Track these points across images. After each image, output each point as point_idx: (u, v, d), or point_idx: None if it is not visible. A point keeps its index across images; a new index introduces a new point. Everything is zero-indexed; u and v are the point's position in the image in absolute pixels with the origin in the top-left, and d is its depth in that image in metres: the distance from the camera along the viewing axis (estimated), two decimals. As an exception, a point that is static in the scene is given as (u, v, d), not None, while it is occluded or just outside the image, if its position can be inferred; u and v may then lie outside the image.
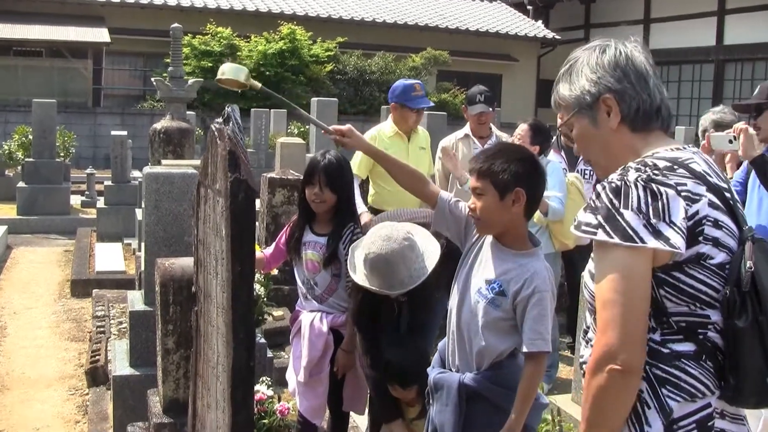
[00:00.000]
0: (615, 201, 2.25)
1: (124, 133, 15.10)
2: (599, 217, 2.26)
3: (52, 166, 15.21)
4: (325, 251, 4.66)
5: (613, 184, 2.28)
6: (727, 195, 2.37)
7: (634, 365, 2.21)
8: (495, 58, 34.43)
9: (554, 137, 7.43)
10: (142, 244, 6.44)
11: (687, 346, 2.29)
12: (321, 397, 4.78)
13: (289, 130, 21.26)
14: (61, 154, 17.11)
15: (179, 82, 11.72)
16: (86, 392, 6.69)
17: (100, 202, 14.00)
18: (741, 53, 30.13)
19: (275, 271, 5.98)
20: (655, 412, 2.28)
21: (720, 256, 2.28)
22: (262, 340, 5.89)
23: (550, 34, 35.35)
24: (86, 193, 16.73)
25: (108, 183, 14.11)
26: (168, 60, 12.67)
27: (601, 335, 2.24)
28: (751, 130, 4.80)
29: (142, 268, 6.23)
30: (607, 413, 2.27)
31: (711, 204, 2.28)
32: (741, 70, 30.55)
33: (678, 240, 2.19)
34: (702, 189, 2.29)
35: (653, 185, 2.24)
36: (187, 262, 4.62)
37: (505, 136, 7.37)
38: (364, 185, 6.92)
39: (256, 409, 4.89)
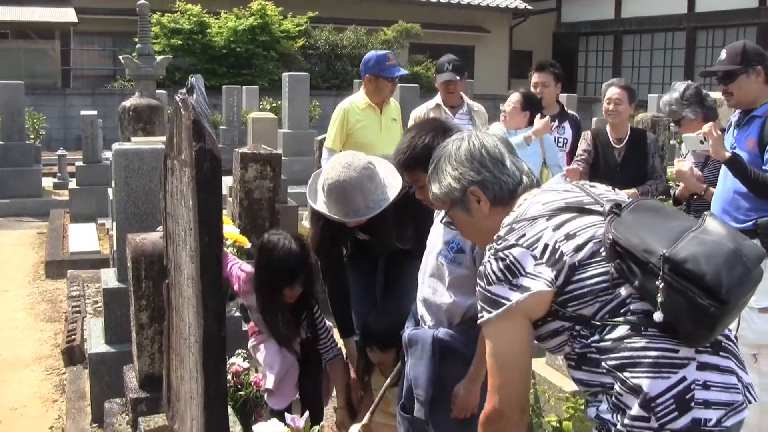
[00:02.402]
0: (482, 283, 2.53)
1: (95, 112, 14.99)
2: (480, 303, 2.54)
3: (22, 148, 15.06)
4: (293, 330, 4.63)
5: (479, 271, 2.57)
6: (583, 197, 2.62)
7: (517, 420, 2.56)
8: (467, 29, 34.37)
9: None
10: (114, 223, 6.40)
11: (621, 330, 2.42)
12: (289, 393, 4.80)
13: (261, 106, 21.16)
14: (31, 137, 16.98)
15: (148, 59, 11.60)
16: (63, 371, 6.69)
17: (73, 183, 13.88)
18: (712, 21, 30.26)
19: (248, 245, 5.95)
20: (628, 395, 2.39)
21: (588, 250, 2.47)
22: (237, 314, 5.87)
23: (521, 5, 35.27)
24: (58, 174, 16.57)
25: (79, 164, 13.99)
26: (137, 39, 12.56)
27: (490, 395, 2.58)
28: (717, 132, 4.94)
29: (115, 246, 6.20)
30: None
31: (555, 227, 2.51)
32: (712, 38, 30.68)
33: (538, 284, 2.44)
34: (541, 224, 2.52)
35: (499, 254, 2.50)
36: (158, 236, 4.60)
37: (477, 106, 7.37)
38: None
39: (232, 381, 4.90)
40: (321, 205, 4.21)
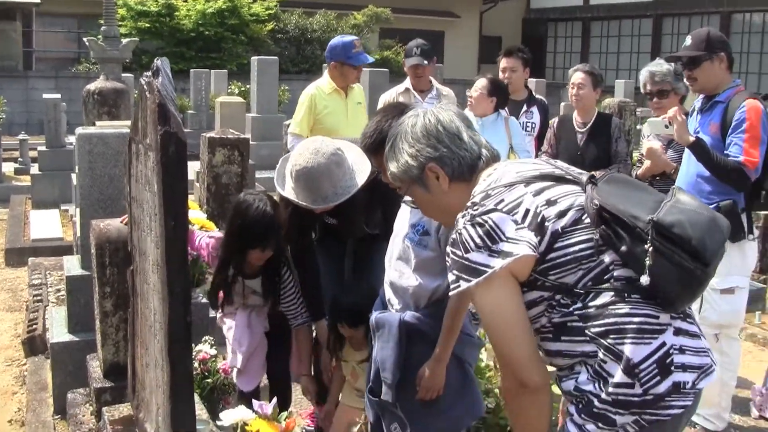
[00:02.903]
0: (458, 251, 2.47)
1: (58, 96, 14.72)
2: (455, 272, 2.48)
3: (-19, 133, 14.78)
4: (257, 292, 4.58)
5: (452, 239, 2.52)
6: (554, 170, 2.64)
7: (537, 381, 2.43)
8: (437, 14, 34.39)
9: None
10: (78, 209, 6.30)
11: (605, 297, 2.44)
12: (258, 371, 4.79)
13: (229, 90, 21.03)
14: (-9, 121, 16.74)
15: (113, 41, 11.46)
16: (24, 362, 6.57)
17: (35, 169, 13.56)
18: (677, 8, 30.60)
19: (216, 231, 5.89)
20: (611, 362, 2.41)
21: (571, 217, 2.48)
22: (204, 300, 5.81)
23: (491, -10, 35.37)
24: (19, 159, 16.20)
25: (42, 148, 13.66)
26: (102, 21, 12.41)
27: (502, 368, 2.54)
28: (682, 117, 5.06)
29: (78, 232, 6.11)
30: (531, 426, 2.52)
31: (535, 193, 2.50)
32: (678, 25, 31.05)
33: (521, 248, 2.41)
34: (519, 190, 2.51)
35: (477, 219, 2.46)
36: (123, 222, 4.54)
37: (446, 90, 7.36)
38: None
39: (199, 369, 4.86)
40: (289, 191, 4.17)
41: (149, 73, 3.22)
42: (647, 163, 5.82)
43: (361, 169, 4.19)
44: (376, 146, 3.66)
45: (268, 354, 4.78)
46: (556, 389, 2.67)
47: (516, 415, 2.56)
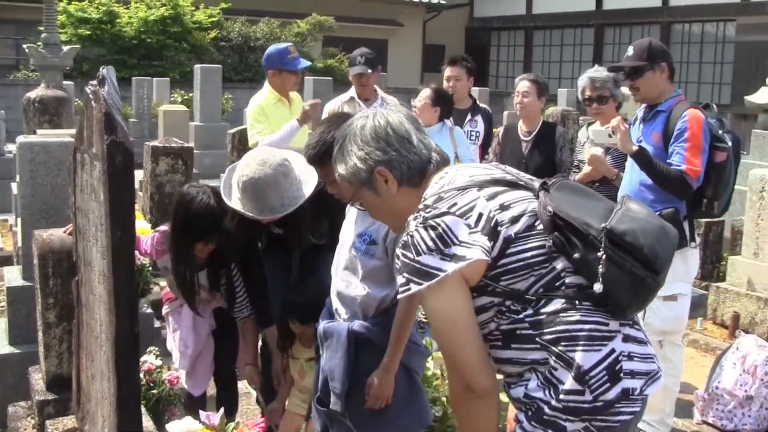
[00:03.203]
0: (409, 254, 2.43)
1: (-3, 103, 14.53)
2: (406, 275, 2.44)
3: None
4: (204, 286, 4.57)
5: (402, 242, 2.48)
6: (506, 175, 2.63)
7: (486, 386, 2.43)
8: (380, 23, 34.44)
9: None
10: (19, 219, 6.22)
11: (556, 304, 2.43)
12: (205, 373, 4.80)
13: (172, 99, 20.88)
14: (-77, 129, 16.39)
15: (54, 48, 11.30)
16: (-38, 375, 6.44)
17: (-27, 177, 13.39)
18: (618, 18, 31.05)
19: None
20: (562, 369, 2.41)
21: (524, 223, 2.47)
22: (149, 310, 5.76)
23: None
24: (-45, 169, 16.00)
25: (-21, 157, 13.49)
26: (42, 28, 12.24)
27: (450, 373, 2.51)
28: (625, 126, 5.12)
29: (20, 242, 6.02)
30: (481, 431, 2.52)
31: (488, 198, 2.49)
32: (619, 35, 31.49)
33: (474, 252, 2.38)
34: (472, 194, 2.49)
35: (429, 222, 2.42)
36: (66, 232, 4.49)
37: (390, 99, 7.37)
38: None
39: (144, 380, 4.82)
40: (236, 202, 4.16)
41: (95, 82, 3.20)
42: (587, 168, 5.85)
43: (307, 179, 4.19)
44: (319, 157, 3.66)
45: (215, 355, 4.78)
46: (504, 396, 2.68)
47: (464, 421, 2.55)
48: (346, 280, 3.65)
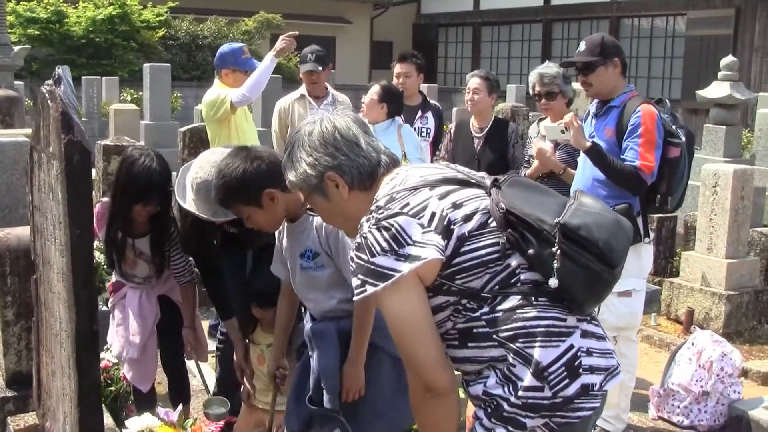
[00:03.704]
0: (364, 256, 2.43)
1: (-54, 104, 14.36)
2: (361, 277, 2.44)
3: None
4: (145, 254, 4.61)
5: (356, 244, 2.48)
6: (457, 174, 2.65)
7: (444, 385, 2.44)
8: (328, 20, 34.36)
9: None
10: (-27, 218, 6.20)
11: (513, 300, 2.46)
12: (151, 364, 4.85)
13: (122, 97, 20.73)
14: None
15: (5, 49, 11.28)
16: None
17: (-75, 178, 13.25)
18: (567, 13, 31.08)
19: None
20: (520, 366, 2.42)
21: (477, 220, 2.50)
22: (105, 308, 5.77)
23: (382, -4, 35.55)
24: None
25: (-69, 157, 13.36)
26: (-9, 28, 12.17)
27: (408, 372, 2.52)
28: (578, 122, 5.12)
29: (-25, 242, 6.00)
30: (440, 430, 2.54)
31: (440, 197, 2.50)
32: (568, 30, 31.49)
33: (429, 251, 2.39)
34: (424, 194, 2.50)
35: (382, 223, 2.43)
36: (24, 231, 4.49)
37: (341, 97, 7.42)
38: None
39: (102, 377, 4.84)
40: (190, 203, 4.17)
41: (51, 82, 3.22)
42: (536, 163, 5.91)
43: None
44: (225, 199, 3.67)
45: (161, 349, 4.83)
46: (462, 393, 2.72)
47: (423, 420, 2.56)
48: (313, 299, 3.70)
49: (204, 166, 4.12)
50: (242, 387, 4.57)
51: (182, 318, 4.79)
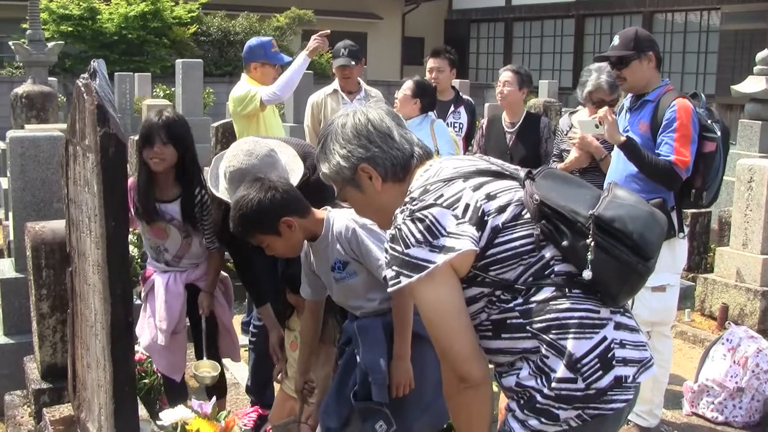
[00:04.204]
0: (398, 247, 2.44)
1: (-19, 100, 14.55)
2: (395, 268, 2.45)
3: None
4: (176, 219, 4.64)
5: (390, 236, 2.50)
6: (491, 165, 2.64)
7: (478, 375, 2.44)
8: (360, 16, 34.40)
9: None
10: (10, 213, 6.26)
11: (546, 292, 2.45)
12: (179, 354, 4.87)
13: (154, 93, 20.85)
14: None
15: (39, 45, 11.36)
16: (-43, 366, 6.49)
17: (-41, 173, 13.42)
18: (599, 8, 30.93)
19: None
20: (553, 357, 2.42)
21: (511, 212, 2.49)
22: (138, 302, 5.82)
23: (414, -8, 35.52)
24: (-57, 164, 16.01)
25: (-33, 153, 13.52)
26: (25, 25, 12.26)
27: (443, 364, 2.51)
28: (612, 116, 5.08)
29: (11, 236, 6.07)
30: (473, 422, 2.53)
31: (474, 188, 2.50)
32: (600, 25, 31.35)
33: (463, 242, 2.39)
34: (458, 185, 2.50)
35: (416, 214, 2.43)
36: (58, 224, 4.54)
37: (374, 92, 7.42)
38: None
39: (136, 369, 4.87)
40: (223, 191, 4.21)
41: (86, 75, 3.24)
42: (571, 156, 5.89)
43: (293, 169, 4.26)
44: (244, 231, 3.69)
45: (195, 343, 4.86)
46: (495, 385, 2.71)
47: (457, 412, 2.56)
48: (355, 306, 3.75)
49: (237, 154, 4.15)
50: (275, 370, 4.59)
51: (214, 314, 4.82)
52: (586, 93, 6.05)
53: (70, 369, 3.98)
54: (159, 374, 5.03)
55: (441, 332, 2.44)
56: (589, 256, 2.39)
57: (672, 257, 5.10)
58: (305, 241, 3.76)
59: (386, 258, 2.50)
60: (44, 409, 4.27)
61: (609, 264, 2.39)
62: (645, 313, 5.05)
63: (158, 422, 3.91)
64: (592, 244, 2.39)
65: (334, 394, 3.88)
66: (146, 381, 5.02)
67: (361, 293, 3.67)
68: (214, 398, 4.07)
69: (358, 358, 3.74)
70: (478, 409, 2.51)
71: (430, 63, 7.40)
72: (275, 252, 3.72)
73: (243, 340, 5.90)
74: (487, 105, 17.05)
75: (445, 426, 3.95)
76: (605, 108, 5.28)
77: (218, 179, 4.27)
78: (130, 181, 4.65)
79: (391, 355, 3.64)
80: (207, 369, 4.63)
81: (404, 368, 3.62)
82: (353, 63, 7.09)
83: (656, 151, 4.97)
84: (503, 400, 2.78)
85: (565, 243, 2.42)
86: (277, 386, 4.83)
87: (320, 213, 3.68)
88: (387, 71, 32.02)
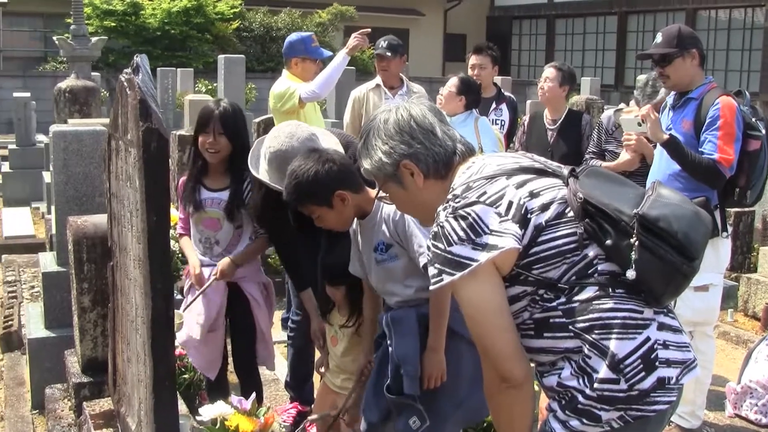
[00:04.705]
0: (441, 245, 2.42)
1: (27, 94, 14.65)
2: (438, 266, 2.44)
3: (-49, 131, 14.69)
4: (227, 206, 4.65)
5: (433, 233, 2.48)
6: (534, 163, 2.61)
7: (521, 377, 2.42)
8: (401, 12, 34.38)
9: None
10: (52, 207, 6.31)
11: (589, 291, 2.43)
12: (216, 352, 4.86)
13: (196, 88, 20.96)
14: (-40, 120, 16.60)
15: (82, 40, 11.45)
16: (0, 358, 6.57)
17: (5, 167, 13.54)
18: (643, 5, 30.70)
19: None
20: (596, 358, 2.39)
21: (554, 210, 2.47)
22: (179, 296, 5.83)
23: (456, -12, 35.45)
24: (-11, 158, 16.22)
25: (12, 147, 13.64)
26: (69, 20, 12.36)
27: (484, 363, 2.49)
28: (655, 114, 5.04)
29: (53, 229, 6.12)
30: (515, 422, 2.51)
31: (518, 186, 2.48)
32: (643, 22, 31.12)
33: (506, 240, 2.38)
34: (501, 182, 2.48)
35: (459, 212, 2.41)
36: (100, 219, 4.55)
37: (417, 87, 7.39)
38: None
39: (176, 364, 4.89)
40: (263, 173, 4.23)
41: (129, 70, 3.25)
42: (623, 157, 5.84)
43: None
44: (297, 200, 3.70)
45: (232, 338, 4.87)
46: (536, 385, 2.68)
47: (498, 411, 2.55)
48: (391, 291, 3.71)
49: (279, 136, 4.18)
50: (317, 362, 4.57)
51: (253, 313, 4.80)
52: (652, 102, 5.84)
53: (111, 363, 3.99)
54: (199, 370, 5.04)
55: (483, 330, 2.43)
56: (633, 256, 2.36)
57: (715, 257, 5.04)
58: (355, 219, 3.75)
59: (429, 255, 2.48)
60: (84, 402, 4.30)
61: (653, 264, 2.36)
62: (688, 313, 4.99)
63: (197, 417, 3.91)
64: (637, 243, 2.36)
65: (372, 388, 3.86)
66: (186, 376, 5.03)
67: (400, 278, 3.64)
68: (253, 394, 4.07)
69: (390, 349, 3.71)
70: (519, 408, 2.49)
71: (472, 60, 7.38)
72: (325, 224, 3.72)
73: (282, 336, 5.92)
74: (528, 102, 16.97)
75: (483, 423, 3.91)
76: (648, 106, 5.25)
77: (259, 161, 4.29)
78: (180, 181, 4.76)
79: (425, 346, 3.61)
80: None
81: (437, 360, 3.58)
82: (389, 54, 7.06)
83: (699, 150, 4.92)
84: (544, 400, 2.75)
85: (608, 242, 2.40)
86: (317, 381, 4.81)
87: (373, 192, 3.64)
88: (429, 68, 32.00)
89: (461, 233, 2.39)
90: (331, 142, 4.26)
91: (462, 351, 3.59)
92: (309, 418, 4.40)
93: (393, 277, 3.65)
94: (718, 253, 5.08)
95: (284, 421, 4.98)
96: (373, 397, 3.83)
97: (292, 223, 4.60)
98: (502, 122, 7.40)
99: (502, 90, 7.79)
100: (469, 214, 2.40)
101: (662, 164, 5.14)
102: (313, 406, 4.65)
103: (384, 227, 3.60)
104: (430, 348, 3.57)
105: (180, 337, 4.78)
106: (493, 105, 7.38)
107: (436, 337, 3.57)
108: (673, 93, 5.25)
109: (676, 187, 4.82)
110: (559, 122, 6.67)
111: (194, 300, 4.68)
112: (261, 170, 4.24)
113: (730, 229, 5.47)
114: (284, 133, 4.16)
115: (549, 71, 6.67)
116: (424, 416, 3.58)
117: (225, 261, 4.65)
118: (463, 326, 3.41)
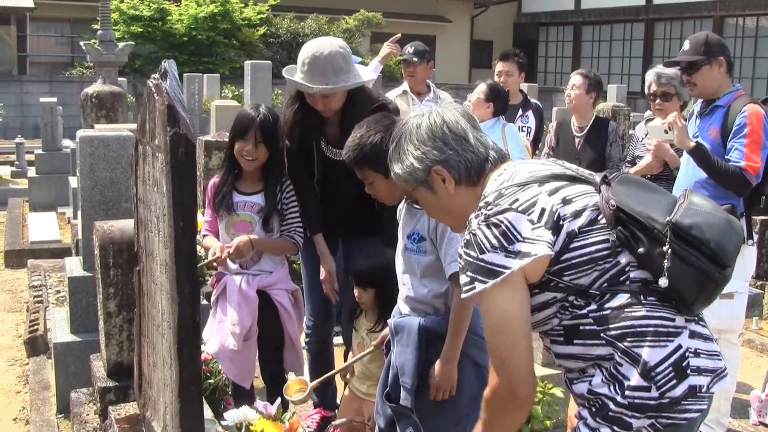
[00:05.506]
0: (473, 253, 2.41)
1: (54, 99, 14.76)
2: (470, 273, 2.42)
3: (-22, 137, 14.82)
4: (261, 210, 4.64)
5: (465, 240, 2.47)
6: (566, 170, 2.59)
7: (530, 393, 2.44)
8: (428, 19, 34.43)
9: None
10: (78, 212, 6.33)
11: (621, 299, 2.40)
12: (250, 361, 4.82)
13: (223, 94, 21.04)
14: (-13, 125, 16.75)
15: (109, 45, 11.53)
16: (26, 362, 6.60)
17: (31, 172, 13.66)
18: (670, 12, 30.62)
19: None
20: (627, 365, 2.38)
21: (587, 217, 2.44)
22: (205, 302, 5.84)
23: (482, -5, 35.45)
24: (16, 163, 16.28)
25: (39, 152, 13.73)
26: (96, 26, 12.45)
27: (494, 374, 2.46)
28: (682, 122, 5.03)
29: (79, 234, 6.13)
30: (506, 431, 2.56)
31: (550, 192, 2.46)
32: (670, 29, 31.04)
33: (539, 247, 2.36)
34: (534, 190, 2.46)
35: (491, 219, 2.40)
36: (126, 224, 4.57)
37: (444, 94, 7.39)
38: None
39: (201, 369, 4.88)
40: (297, 76, 4.44)
41: (157, 75, 3.26)
42: (644, 161, 5.82)
43: (366, 73, 4.62)
44: (356, 161, 3.71)
45: (259, 343, 4.83)
46: (558, 392, 2.66)
47: (492, 418, 2.54)
48: (407, 283, 3.67)
49: (314, 41, 4.50)
50: (345, 353, 4.59)
51: (280, 320, 4.79)
52: (646, 92, 6.05)
53: (136, 368, 3.99)
54: (225, 375, 5.03)
55: (504, 339, 2.40)
56: (666, 264, 2.34)
57: (741, 264, 4.93)
58: (403, 199, 3.72)
59: (460, 264, 2.47)
60: (110, 407, 4.31)
61: (685, 272, 2.35)
62: (713, 321, 4.87)
63: (222, 422, 3.91)
64: (669, 251, 2.34)
65: (380, 395, 3.85)
66: (211, 381, 5.02)
67: (418, 274, 3.60)
68: (278, 399, 4.06)
69: (392, 356, 3.70)
70: (513, 422, 2.53)
71: (499, 66, 7.38)
72: (375, 193, 3.72)
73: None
74: (555, 109, 16.89)
75: None
76: (674, 113, 5.22)
77: (295, 68, 4.53)
78: (215, 180, 4.77)
79: (424, 360, 3.57)
80: (297, 390, 4.49)
81: (448, 372, 3.52)
82: (415, 59, 7.10)
83: (726, 157, 4.89)
84: (572, 408, 2.72)
85: (641, 250, 2.38)
86: (340, 388, 4.80)
87: None
88: (455, 74, 31.99)
89: (494, 241, 2.38)
90: (363, 68, 4.73)
91: (466, 370, 3.55)
92: (333, 423, 4.39)
93: (413, 270, 3.62)
94: (743, 261, 5.03)
95: (308, 427, 4.97)
96: (381, 403, 3.82)
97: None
98: (529, 129, 7.39)
99: (529, 97, 7.77)
100: (502, 221, 2.39)
101: (689, 172, 5.11)
102: (338, 411, 4.63)
103: (425, 219, 3.55)
104: (444, 358, 3.51)
105: (212, 348, 4.77)
106: (520, 112, 7.37)
107: (452, 348, 3.50)
108: (700, 101, 5.22)
109: (702, 194, 4.78)
110: (587, 129, 6.67)
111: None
112: (296, 75, 4.47)
113: (755, 236, 5.44)
114: (320, 40, 4.50)
115: (576, 78, 6.66)
116: (420, 429, 3.56)
117: (243, 238, 4.57)
118: (469, 345, 3.47)
